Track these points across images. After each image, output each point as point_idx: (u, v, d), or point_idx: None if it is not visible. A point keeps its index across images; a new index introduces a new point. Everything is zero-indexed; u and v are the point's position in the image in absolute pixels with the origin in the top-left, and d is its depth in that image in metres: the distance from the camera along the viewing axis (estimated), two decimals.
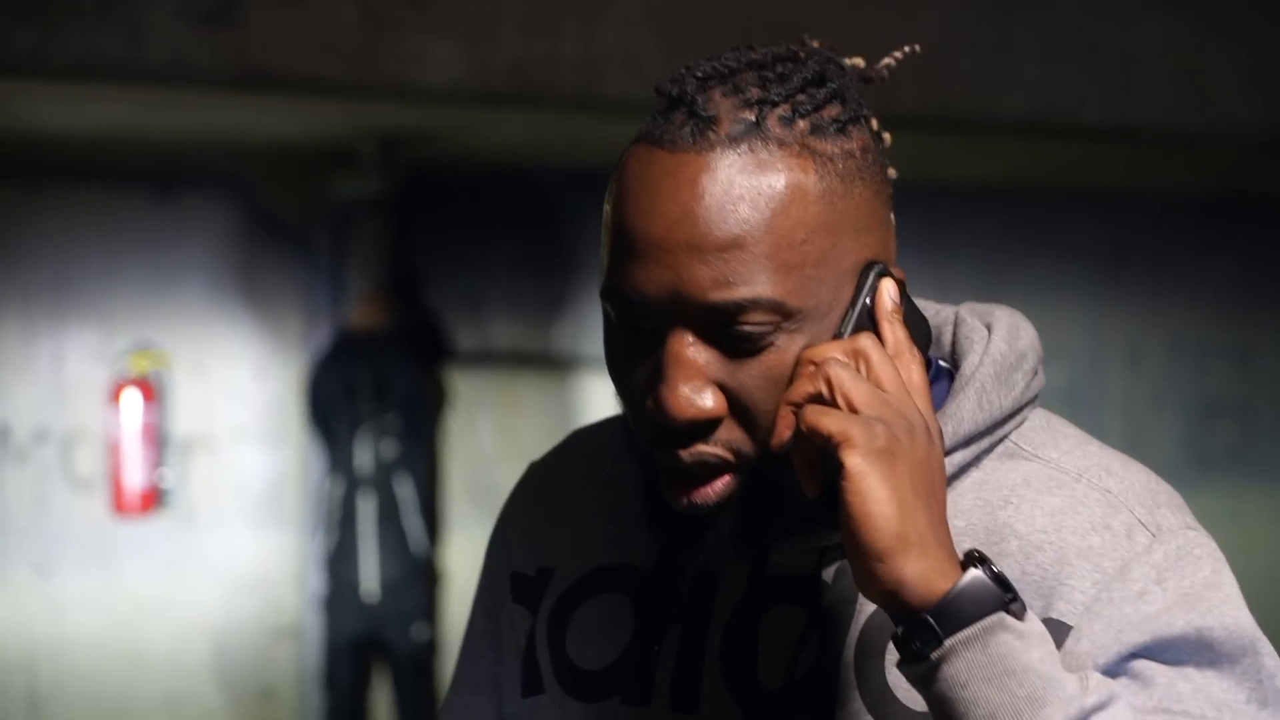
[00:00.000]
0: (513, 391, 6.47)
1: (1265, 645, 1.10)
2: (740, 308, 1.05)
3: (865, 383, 1.04)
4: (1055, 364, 7.25)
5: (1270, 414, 7.65)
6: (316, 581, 5.78)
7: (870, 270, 1.10)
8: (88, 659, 5.98)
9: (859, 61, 1.14)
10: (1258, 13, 5.37)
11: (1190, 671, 1.08)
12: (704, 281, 1.05)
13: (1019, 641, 1.00)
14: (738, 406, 1.08)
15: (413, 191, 6.09)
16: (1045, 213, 7.16)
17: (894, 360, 1.08)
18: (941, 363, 1.21)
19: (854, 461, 1.01)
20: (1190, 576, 1.10)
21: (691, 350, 1.07)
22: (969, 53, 4.83)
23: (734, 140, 1.06)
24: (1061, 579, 1.10)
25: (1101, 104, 5.16)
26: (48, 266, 6.00)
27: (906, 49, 1.17)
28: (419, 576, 5.68)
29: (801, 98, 1.08)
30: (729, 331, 1.06)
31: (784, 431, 1.06)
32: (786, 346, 1.07)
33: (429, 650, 5.74)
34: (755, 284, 1.05)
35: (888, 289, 1.10)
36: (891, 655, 1.11)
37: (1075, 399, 7.23)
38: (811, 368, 1.06)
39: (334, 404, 5.66)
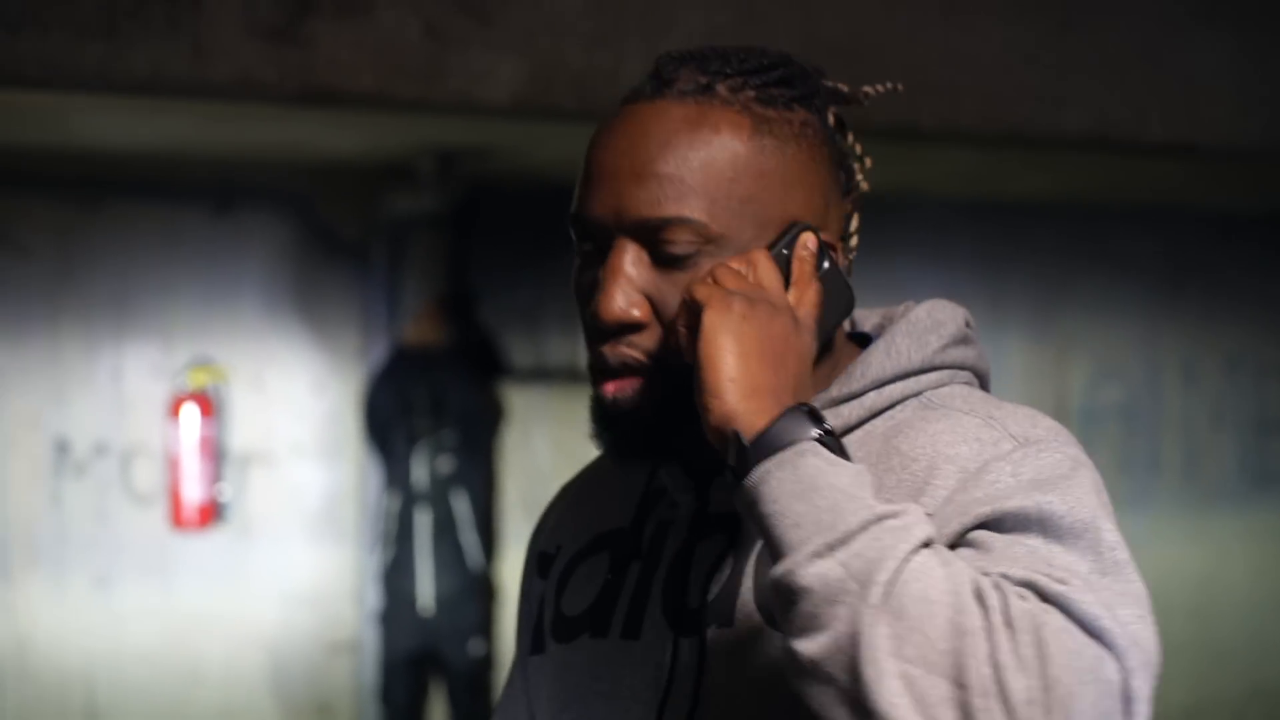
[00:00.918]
0: (568, 407, 6.46)
1: (1107, 523, 1.14)
2: (667, 223, 1.20)
3: (742, 276, 1.19)
4: (1111, 381, 7.21)
5: None
6: (373, 596, 5.79)
7: (795, 226, 1.23)
8: (145, 672, 6.00)
9: (842, 86, 1.31)
10: None
11: (1029, 539, 1.12)
12: (639, 200, 1.21)
13: (829, 466, 1.09)
14: (661, 317, 1.22)
15: (470, 207, 6.10)
16: (1102, 229, 7.12)
17: (795, 285, 1.22)
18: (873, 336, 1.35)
19: (709, 317, 1.15)
20: (1047, 471, 1.16)
21: (628, 263, 1.22)
22: (1030, 70, 4.81)
23: (684, 94, 1.24)
24: (929, 480, 1.19)
25: (1163, 121, 5.13)
26: (107, 282, 6.03)
27: (889, 85, 1.34)
28: (475, 591, 5.67)
29: (754, 78, 1.25)
30: (660, 250, 1.21)
31: (680, 328, 1.19)
32: (708, 268, 1.21)
33: (485, 665, 5.72)
34: (683, 205, 1.20)
35: (806, 239, 1.23)
36: None
37: (1131, 417, 7.18)
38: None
39: (391, 419, 5.66)
